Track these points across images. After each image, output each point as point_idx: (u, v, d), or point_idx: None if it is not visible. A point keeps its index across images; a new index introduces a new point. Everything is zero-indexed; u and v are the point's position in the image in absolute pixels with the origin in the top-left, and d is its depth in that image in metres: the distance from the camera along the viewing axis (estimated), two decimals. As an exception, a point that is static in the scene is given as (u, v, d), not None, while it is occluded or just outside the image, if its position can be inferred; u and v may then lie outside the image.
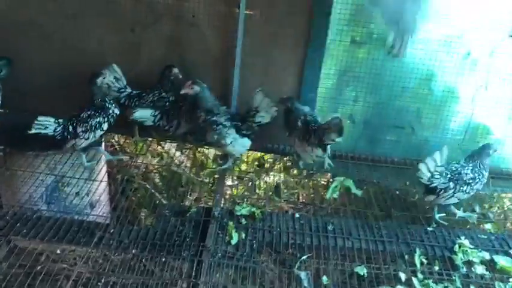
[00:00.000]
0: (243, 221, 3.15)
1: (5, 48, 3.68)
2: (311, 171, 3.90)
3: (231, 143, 3.51)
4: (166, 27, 3.73)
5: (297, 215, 3.30)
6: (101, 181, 3.73)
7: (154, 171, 4.53)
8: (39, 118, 3.28)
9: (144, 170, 4.43)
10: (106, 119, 3.48)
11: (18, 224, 2.91)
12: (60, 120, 3.38)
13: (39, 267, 2.69)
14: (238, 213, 3.20)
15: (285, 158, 4.05)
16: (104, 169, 3.90)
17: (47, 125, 3.30)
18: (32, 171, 3.50)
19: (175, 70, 3.69)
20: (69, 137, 3.40)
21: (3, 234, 2.82)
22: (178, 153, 4.40)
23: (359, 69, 3.76)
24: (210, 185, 4.38)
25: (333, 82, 3.84)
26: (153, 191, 4.19)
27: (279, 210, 3.99)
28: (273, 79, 3.83)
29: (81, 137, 3.42)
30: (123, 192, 3.99)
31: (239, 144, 3.57)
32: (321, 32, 3.62)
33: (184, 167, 4.32)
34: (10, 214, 3.01)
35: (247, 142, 3.60)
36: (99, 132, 3.48)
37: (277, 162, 4.21)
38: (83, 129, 3.41)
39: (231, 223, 3.08)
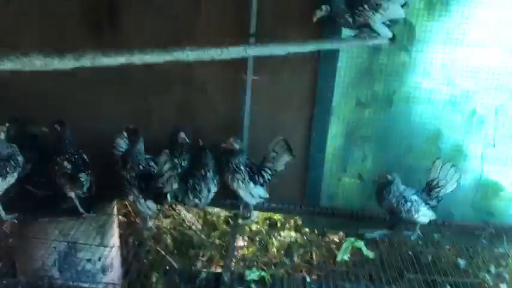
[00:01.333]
0: (253, 286, 3.12)
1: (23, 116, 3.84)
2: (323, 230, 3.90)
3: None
4: (176, 93, 3.87)
5: (307, 279, 3.26)
6: (113, 246, 3.75)
7: (166, 232, 4.54)
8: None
9: (155, 231, 4.44)
10: None
11: (30, 294, 2.93)
12: None
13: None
14: (248, 279, 3.17)
15: (296, 217, 4.06)
16: (117, 233, 3.95)
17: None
18: (45, 237, 3.54)
19: (182, 134, 3.77)
20: None
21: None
22: (189, 215, 4.42)
23: (366, 129, 3.83)
24: (221, 246, 4.37)
25: (341, 142, 3.90)
26: (163, 253, 4.19)
27: (291, 273, 3.93)
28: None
29: None
30: (135, 255, 4.00)
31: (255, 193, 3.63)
32: (326, 95, 3.73)
33: (195, 228, 4.34)
34: (22, 283, 3.03)
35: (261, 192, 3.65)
36: None
37: (288, 222, 4.21)
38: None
39: (240, 289, 3.06)
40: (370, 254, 3.47)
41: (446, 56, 3.60)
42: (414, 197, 3.48)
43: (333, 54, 3.63)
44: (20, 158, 3.33)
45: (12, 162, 3.27)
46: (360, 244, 3.51)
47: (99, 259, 3.74)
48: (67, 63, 1.84)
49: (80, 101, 3.93)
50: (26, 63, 1.75)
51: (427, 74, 3.67)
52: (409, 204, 3.45)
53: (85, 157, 3.63)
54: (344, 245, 3.48)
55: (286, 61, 3.63)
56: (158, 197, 3.42)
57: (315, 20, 3.17)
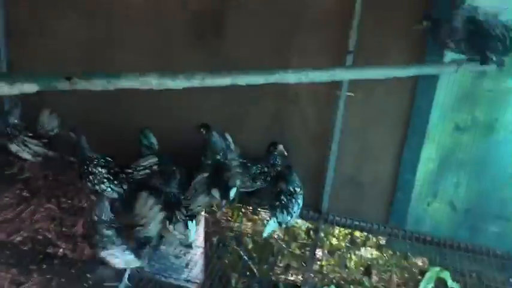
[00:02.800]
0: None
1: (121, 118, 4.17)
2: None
3: None
4: (269, 103, 3.97)
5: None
6: (198, 246, 3.93)
7: (248, 236, 4.66)
8: None
9: (238, 234, 4.58)
10: None
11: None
12: None
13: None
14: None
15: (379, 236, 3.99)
16: (202, 231, 4.13)
17: None
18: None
19: (281, 147, 3.83)
20: None
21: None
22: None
23: (462, 155, 3.68)
24: (300, 256, 4.40)
25: (434, 166, 3.77)
26: (245, 257, 4.30)
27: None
28: (369, 157, 3.86)
29: None
30: (217, 255, 4.17)
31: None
32: (422, 117, 3.62)
33: (277, 236, 4.41)
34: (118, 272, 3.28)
35: None
36: None
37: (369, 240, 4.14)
38: None
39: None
40: (455, 286, 3.34)
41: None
42: None
43: (433, 76, 3.51)
44: None
45: None
46: (446, 275, 3.38)
47: (185, 255, 3.94)
48: (179, 83, 1.98)
49: (184, 106, 4.13)
50: (143, 82, 1.90)
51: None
52: None
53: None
54: (428, 274, 3.38)
55: (382, 80, 3.57)
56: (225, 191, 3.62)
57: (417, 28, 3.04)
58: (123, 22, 4.05)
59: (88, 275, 3.15)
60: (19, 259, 3.17)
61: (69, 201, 4.88)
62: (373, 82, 3.64)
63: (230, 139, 3.93)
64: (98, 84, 1.79)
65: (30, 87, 1.62)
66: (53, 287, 3.12)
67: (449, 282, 3.37)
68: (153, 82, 1.93)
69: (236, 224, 4.39)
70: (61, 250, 4.53)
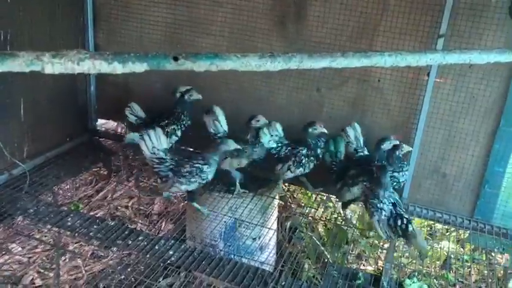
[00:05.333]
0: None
1: (207, 96, 4.21)
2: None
3: None
4: (350, 89, 3.87)
5: (472, 301, 3.07)
6: (271, 228, 3.95)
7: (321, 223, 4.64)
8: None
9: (311, 219, 4.57)
10: None
11: (204, 262, 3.23)
12: None
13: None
14: (408, 287, 3.10)
15: (460, 231, 3.82)
16: (275, 215, 4.15)
17: None
18: (216, 211, 3.87)
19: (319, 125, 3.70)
20: None
21: (188, 268, 3.17)
22: (348, 210, 4.43)
23: (560, 148, 3.41)
24: (376, 246, 4.31)
25: (527, 158, 3.54)
26: (318, 243, 4.28)
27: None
28: (456, 148, 3.68)
29: None
30: (289, 240, 4.18)
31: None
32: (518, 105, 3.39)
33: (350, 224, 4.35)
34: (197, 251, 3.36)
35: None
36: None
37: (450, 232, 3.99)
38: None
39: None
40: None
41: None
42: None
43: (533, 62, 3.26)
44: None
45: None
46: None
47: (259, 238, 3.98)
48: (277, 65, 1.95)
49: (262, 89, 4.14)
50: (243, 63, 1.89)
51: None
52: None
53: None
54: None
55: (475, 65, 3.38)
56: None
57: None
58: (205, 6, 4.08)
59: (170, 252, 3.24)
60: (102, 233, 3.31)
61: (147, 181, 5.09)
62: (464, 68, 3.48)
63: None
64: (202, 65, 1.79)
65: (140, 67, 1.65)
66: (132, 261, 3.23)
67: None
68: (253, 63, 1.91)
69: (307, 210, 4.37)
70: (138, 226, 4.76)
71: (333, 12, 3.72)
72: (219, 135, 3.88)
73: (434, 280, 3.56)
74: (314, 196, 4.50)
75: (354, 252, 4.53)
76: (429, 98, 3.56)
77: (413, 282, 3.14)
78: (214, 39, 4.11)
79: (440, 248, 4.06)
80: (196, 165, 3.45)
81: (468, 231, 3.74)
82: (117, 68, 1.61)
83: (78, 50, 1.46)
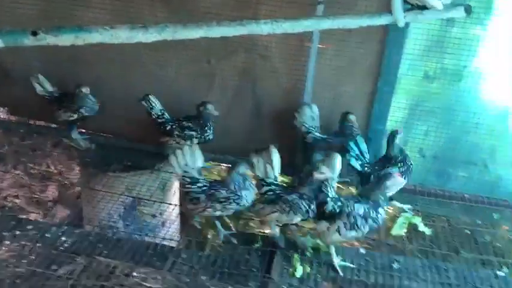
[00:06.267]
0: (308, 254, 3.21)
1: (90, 75, 4.03)
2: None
3: None
4: (239, 59, 3.89)
5: (362, 250, 3.31)
6: (173, 204, 3.93)
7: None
8: None
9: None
10: None
11: (100, 245, 3.14)
12: None
13: (116, 281, 2.92)
14: (303, 245, 3.25)
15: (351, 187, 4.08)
16: (177, 192, 4.12)
17: None
18: (112, 192, 3.75)
19: (352, 117, 3.70)
20: None
21: (86, 253, 3.06)
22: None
23: (431, 103, 3.75)
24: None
25: (403, 115, 3.84)
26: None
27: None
28: (342, 110, 3.87)
29: None
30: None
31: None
32: (393, 66, 3.64)
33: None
34: (93, 234, 3.26)
35: None
36: None
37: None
38: None
39: (296, 255, 3.15)
40: (426, 231, 3.47)
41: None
42: None
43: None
44: None
45: None
46: (417, 220, 3.51)
47: (161, 215, 3.94)
48: (150, 36, 1.90)
49: (148, 62, 4.02)
50: (113, 35, 1.82)
51: (501, 49, 3.49)
52: None
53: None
54: (400, 220, 3.49)
55: (353, 30, 3.54)
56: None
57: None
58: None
59: (63, 239, 3.10)
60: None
61: (37, 167, 4.79)
62: (343, 34, 3.64)
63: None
64: (66, 39, 1.70)
65: (-6, 43, 1.52)
66: (27, 252, 3.06)
67: (421, 227, 3.49)
68: (123, 36, 1.85)
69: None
70: (32, 216, 4.49)
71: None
72: None
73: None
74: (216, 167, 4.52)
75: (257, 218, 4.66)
76: (313, 63, 3.70)
77: (308, 240, 3.30)
78: (95, 12, 3.90)
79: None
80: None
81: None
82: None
83: None
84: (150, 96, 3.82)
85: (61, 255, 3.13)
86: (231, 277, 2.99)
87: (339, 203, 2.92)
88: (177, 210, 4.14)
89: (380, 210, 2.90)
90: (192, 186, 3.24)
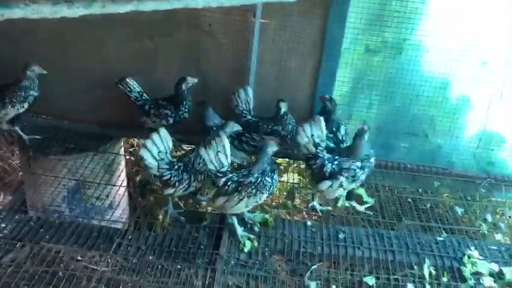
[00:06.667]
0: (256, 228, 3.24)
1: (29, 56, 3.83)
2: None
3: None
4: (183, 35, 3.81)
5: (308, 223, 3.38)
6: (120, 185, 3.86)
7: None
8: None
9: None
10: None
11: (42, 230, 3.05)
12: None
13: (62, 266, 2.87)
14: (252, 221, 3.28)
15: (299, 161, 4.13)
16: (124, 173, 4.04)
17: None
18: (54, 175, 3.63)
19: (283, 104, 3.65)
20: None
21: (28, 240, 2.97)
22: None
23: (373, 76, 3.81)
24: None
25: (347, 89, 3.89)
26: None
27: (291, 216, 4.06)
28: (287, 85, 3.89)
29: None
30: (141, 194, 4.12)
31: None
32: (336, 41, 3.66)
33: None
34: (34, 219, 3.16)
35: None
36: None
37: (292, 165, 4.28)
38: None
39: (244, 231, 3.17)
40: (370, 201, 3.57)
41: (460, 4, 3.50)
42: None
43: (344, -1, 3.53)
44: None
45: None
46: (361, 191, 3.60)
47: (107, 197, 3.86)
48: (76, 10, 1.81)
49: (88, 40, 3.86)
50: (35, 10, 1.72)
51: (440, 21, 3.58)
52: None
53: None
54: (345, 192, 3.56)
55: (295, 4, 3.54)
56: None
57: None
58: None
59: (2, 225, 2.99)
60: None
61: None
62: (287, 7, 3.62)
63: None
64: (-21, 14, 1.59)
65: None
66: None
67: (365, 197, 3.59)
68: (46, 10, 1.75)
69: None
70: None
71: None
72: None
73: (277, 210, 3.81)
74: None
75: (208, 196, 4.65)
76: (257, 38, 3.67)
77: (257, 215, 3.33)
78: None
79: (286, 181, 4.34)
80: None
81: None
82: None
83: None
84: (127, 79, 3.72)
85: (2, 242, 3.03)
86: (179, 255, 2.98)
87: (336, 162, 3.19)
88: (125, 191, 4.08)
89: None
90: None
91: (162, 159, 3.06)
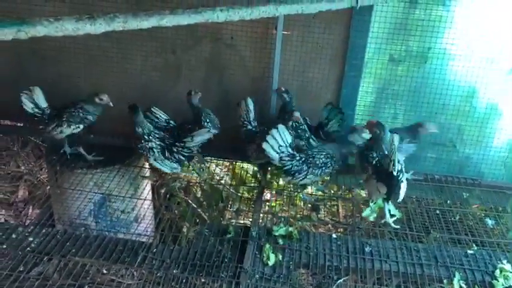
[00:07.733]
0: (280, 241, 3.21)
1: (57, 71, 3.93)
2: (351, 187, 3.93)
3: None
4: (205, 49, 3.84)
5: (334, 236, 3.32)
6: (145, 199, 3.88)
7: (196, 185, 4.65)
8: None
9: (185, 184, 4.56)
10: None
11: (69, 243, 3.09)
12: None
13: (88, 279, 2.90)
14: (276, 234, 3.25)
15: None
16: (149, 186, 4.07)
17: None
18: (81, 189, 3.68)
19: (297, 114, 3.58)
20: None
21: (55, 253, 3.01)
22: (218, 169, 4.50)
23: (398, 86, 3.75)
24: (249, 199, 4.46)
25: (372, 99, 3.84)
26: (194, 205, 4.31)
27: (316, 229, 4.01)
28: (310, 97, 3.87)
29: None
30: (166, 207, 4.15)
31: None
32: (359, 51, 3.64)
33: (224, 182, 4.43)
34: (61, 233, 3.20)
35: None
36: None
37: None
38: None
39: (268, 245, 3.14)
40: (397, 213, 3.49)
41: (485, 10, 3.43)
42: None
43: (367, 8, 3.49)
44: None
45: None
46: (388, 205, 3.52)
47: (133, 210, 3.89)
48: (98, 27, 1.84)
49: (111, 55, 3.93)
50: (58, 27, 1.75)
51: (465, 29, 3.51)
52: None
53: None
54: (372, 204, 3.49)
55: (318, 15, 3.54)
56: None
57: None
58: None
59: (30, 239, 3.04)
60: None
61: (4, 167, 4.68)
62: (308, 19, 3.62)
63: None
64: (7, 33, 1.63)
65: None
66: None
67: (392, 209, 3.51)
68: (69, 27, 1.78)
69: (183, 174, 4.35)
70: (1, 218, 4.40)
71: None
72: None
73: (302, 223, 3.77)
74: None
75: (232, 209, 4.64)
76: (279, 50, 3.67)
77: (280, 227, 3.29)
78: (54, 5, 3.79)
79: (311, 193, 4.30)
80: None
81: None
82: None
83: None
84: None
85: (32, 256, 3.07)
86: (202, 269, 2.97)
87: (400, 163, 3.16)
88: (150, 204, 4.10)
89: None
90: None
91: (283, 152, 3.36)
